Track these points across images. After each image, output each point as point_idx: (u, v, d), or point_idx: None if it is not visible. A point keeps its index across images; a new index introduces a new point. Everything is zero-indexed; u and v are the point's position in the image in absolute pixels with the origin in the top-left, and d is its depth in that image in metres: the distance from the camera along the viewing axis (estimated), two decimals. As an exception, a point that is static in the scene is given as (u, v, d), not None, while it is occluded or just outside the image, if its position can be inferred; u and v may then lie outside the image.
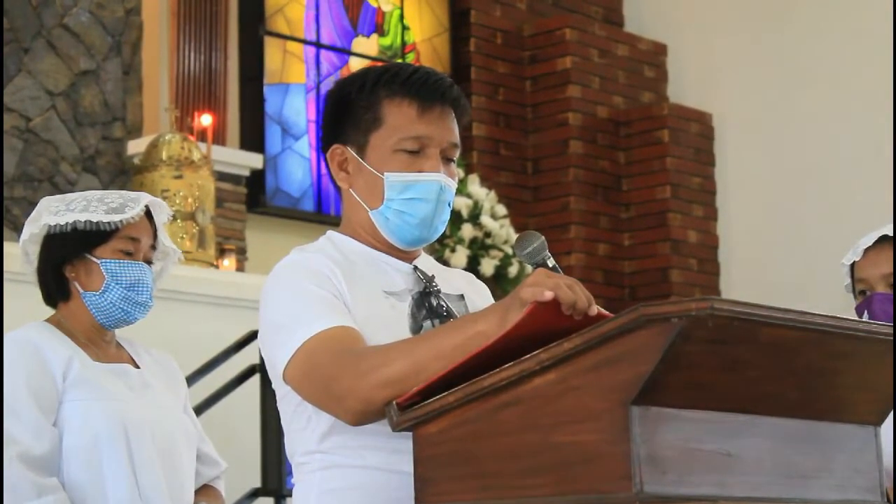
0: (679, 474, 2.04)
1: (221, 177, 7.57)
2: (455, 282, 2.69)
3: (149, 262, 3.23)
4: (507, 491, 2.13)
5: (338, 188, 2.67)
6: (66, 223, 3.16)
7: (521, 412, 2.12)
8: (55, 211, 3.19)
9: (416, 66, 2.67)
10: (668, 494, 2.01)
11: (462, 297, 2.65)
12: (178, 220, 7.05)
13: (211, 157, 7.37)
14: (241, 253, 7.68)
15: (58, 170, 7.11)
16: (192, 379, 5.70)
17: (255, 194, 8.05)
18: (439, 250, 7.93)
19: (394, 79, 2.57)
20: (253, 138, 8.19)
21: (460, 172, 8.17)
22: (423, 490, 2.22)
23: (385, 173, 2.56)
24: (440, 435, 2.20)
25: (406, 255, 2.64)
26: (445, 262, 7.89)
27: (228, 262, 7.36)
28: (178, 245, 6.96)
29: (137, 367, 3.26)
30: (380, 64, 2.76)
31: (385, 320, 2.50)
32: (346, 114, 2.60)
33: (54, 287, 3.21)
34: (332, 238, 2.64)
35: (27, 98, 7.06)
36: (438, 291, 2.61)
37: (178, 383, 3.35)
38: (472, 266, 7.91)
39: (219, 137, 7.74)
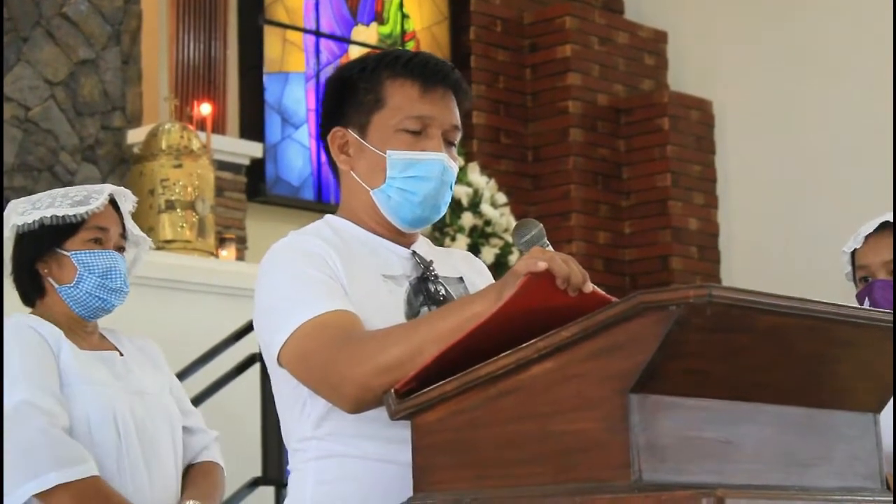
0: (678, 462, 2.04)
1: (221, 166, 7.57)
2: (453, 263, 2.69)
3: (120, 251, 3.26)
4: (505, 479, 2.13)
5: (336, 173, 2.66)
6: (34, 221, 3.21)
7: (520, 400, 2.12)
8: (22, 211, 3.25)
9: (416, 51, 2.67)
10: (666, 482, 2.01)
11: (461, 279, 2.65)
12: (178, 210, 7.05)
13: (210, 147, 7.36)
14: (241, 242, 7.67)
15: (57, 159, 7.11)
16: (192, 368, 5.72)
17: (254, 183, 8.05)
18: (440, 239, 7.93)
19: (396, 61, 2.58)
20: (253, 127, 8.19)
21: (460, 160, 8.18)
22: (421, 478, 2.22)
23: (388, 151, 2.55)
24: (438, 423, 2.20)
25: (404, 240, 2.63)
26: (446, 251, 7.89)
27: (228, 252, 7.35)
28: (178, 235, 7.03)
29: (121, 354, 3.29)
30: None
31: (382, 305, 2.49)
32: (348, 96, 2.60)
33: (29, 285, 3.25)
34: (330, 221, 2.63)
35: (26, 88, 7.05)
36: (436, 277, 2.60)
37: (160, 364, 3.37)
38: (473, 254, 7.90)
39: (218, 126, 7.74)
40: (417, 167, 2.55)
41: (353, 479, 2.45)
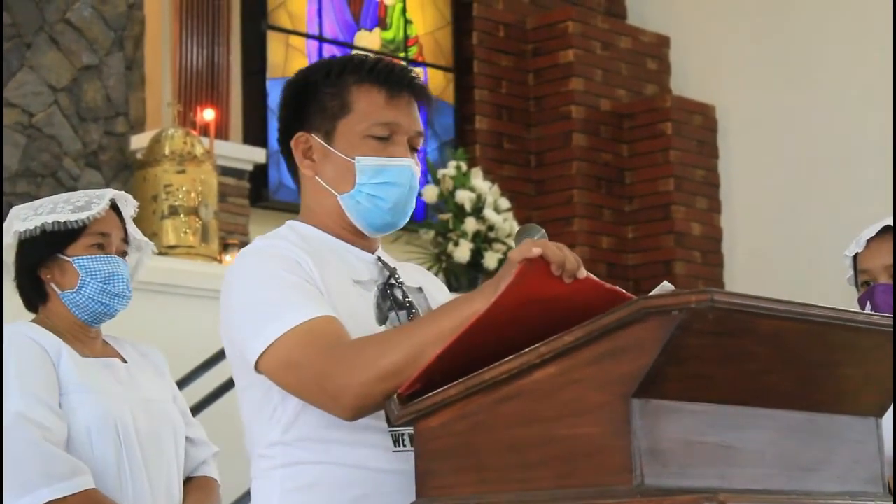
0: (680, 467, 2.04)
1: (224, 171, 7.57)
2: (412, 274, 2.69)
3: (122, 255, 3.26)
4: (507, 484, 2.13)
5: (295, 177, 2.65)
6: (35, 227, 3.21)
7: (522, 405, 2.12)
8: (24, 217, 3.25)
9: (379, 56, 2.68)
10: (669, 487, 2.01)
11: (421, 289, 2.66)
12: (182, 215, 7.05)
13: (214, 152, 7.37)
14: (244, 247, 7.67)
15: (61, 165, 7.11)
16: (196, 373, 5.72)
17: (257, 189, 8.05)
18: (443, 244, 7.93)
19: (360, 66, 2.58)
20: (256, 133, 8.19)
21: (463, 166, 8.19)
22: (424, 483, 2.22)
23: (356, 157, 2.55)
24: (441, 428, 2.20)
25: (368, 245, 2.63)
26: (449, 256, 7.90)
27: (231, 257, 7.35)
28: (182, 240, 7.04)
29: (125, 361, 3.29)
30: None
31: (354, 309, 2.48)
32: (311, 101, 2.59)
33: (32, 291, 3.25)
34: (295, 227, 2.62)
35: (30, 93, 7.06)
36: (402, 283, 2.60)
37: (164, 373, 3.37)
38: (476, 259, 7.91)
39: (221, 132, 7.74)
40: (387, 173, 2.55)
41: (322, 485, 2.43)
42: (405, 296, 2.59)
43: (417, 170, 2.59)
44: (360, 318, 2.47)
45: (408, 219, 2.61)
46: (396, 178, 2.55)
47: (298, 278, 2.45)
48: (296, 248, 2.50)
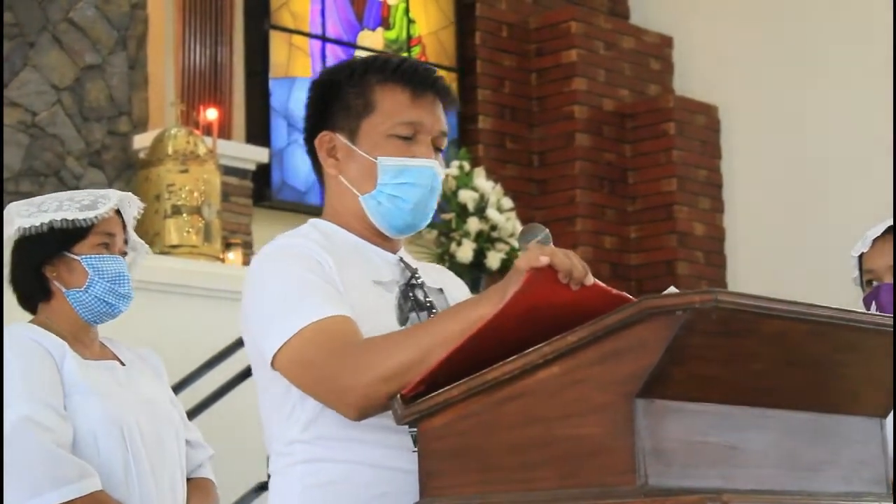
0: (684, 467, 2.04)
1: (227, 171, 7.57)
2: (433, 275, 2.69)
3: (122, 256, 3.26)
4: (511, 484, 2.13)
5: (320, 176, 2.65)
6: (42, 223, 3.19)
7: (526, 405, 2.12)
8: (27, 214, 3.22)
9: (403, 56, 2.67)
10: (672, 487, 2.01)
11: (441, 290, 2.65)
12: (184, 215, 7.05)
13: (216, 152, 7.36)
14: (247, 247, 7.67)
15: (64, 164, 7.12)
16: (198, 373, 5.71)
17: (260, 188, 8.05)
18: (446, 244, 7.92)
19: (384, 66, 2.57)
20: (259, 132, 8.20)
21: (466, 166, 8.19)
22: (427, 483, 2.22)
23: (378, 157, 2.55)
24: (444, 428, 2.20)
25: (390, 246, 2.62)
26: (452, 256, 7.89)
27: (234, 256, 7.36)
28: (185, 240, 7.04)
29: (122, 364, 3.29)
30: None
31: (374, 310, 2.48)
32: (336, 101, 2.59)
33: (36, 288, 3.23)
34: (318, 225, 2.62)
35: (33, 93, 7.06)
36: (423, 284, 2.60)
37: (161, 374, 3.37)
38: (479, 259, 7.90)
39: (224, 131, 7.74)
40: (408, 174, 2.55)
41: (343, 482, 2.43)
42: (426, 296, 2.59)
43: (441, 170, 2.59)
44: (381, 318, 2.47)
45: (429, 220, 2.61)
46: (418, 179, 2.55)
47: (317, 277, 2.45)
48: (317, 247, 2.51)
